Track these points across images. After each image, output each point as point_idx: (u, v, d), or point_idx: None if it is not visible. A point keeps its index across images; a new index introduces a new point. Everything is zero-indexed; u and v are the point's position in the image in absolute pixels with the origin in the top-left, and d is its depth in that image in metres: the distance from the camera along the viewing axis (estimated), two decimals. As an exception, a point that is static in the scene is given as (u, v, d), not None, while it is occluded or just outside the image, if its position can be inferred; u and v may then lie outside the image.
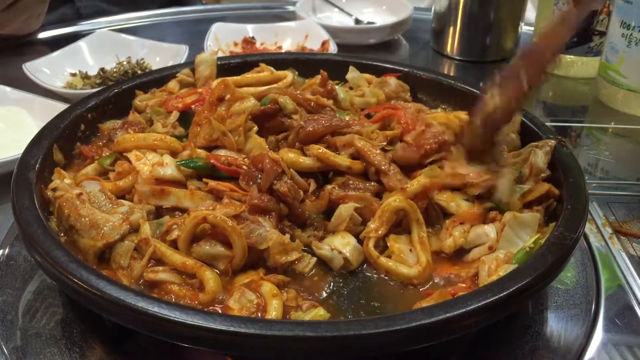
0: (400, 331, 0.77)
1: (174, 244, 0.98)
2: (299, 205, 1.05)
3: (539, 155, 1.11)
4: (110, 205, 1.02)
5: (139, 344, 0.95)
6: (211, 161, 1.07)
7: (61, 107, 1.31)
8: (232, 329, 0.76)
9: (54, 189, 1.04)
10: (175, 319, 0.77)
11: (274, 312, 0.89)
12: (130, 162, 1.10)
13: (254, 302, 0.91)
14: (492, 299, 0.82)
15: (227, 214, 0.97)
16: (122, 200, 1.05)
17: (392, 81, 1.39)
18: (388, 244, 1.03)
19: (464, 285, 0.96)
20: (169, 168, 1.08)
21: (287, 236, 1.00)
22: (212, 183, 1.05)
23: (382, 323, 0.78)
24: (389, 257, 1.02)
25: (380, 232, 1.02)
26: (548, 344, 0.98)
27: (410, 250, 1.01)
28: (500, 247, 1.00)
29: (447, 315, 0.79)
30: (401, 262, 1.00)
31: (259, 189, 1.02)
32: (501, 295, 0.82)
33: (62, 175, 1.08)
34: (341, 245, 1.01)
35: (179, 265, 0.95)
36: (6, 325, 0.97)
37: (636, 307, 1.05)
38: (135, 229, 0.99)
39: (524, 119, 1.22)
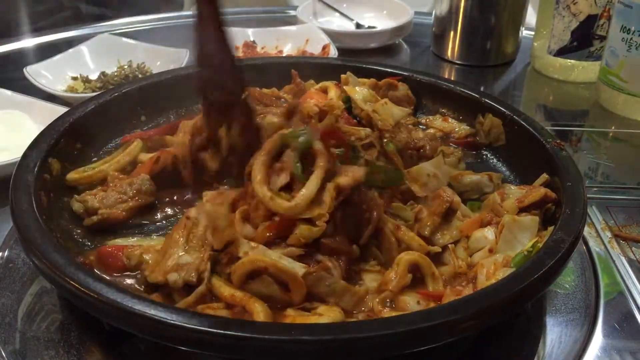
0: (396, 334, 0.77)
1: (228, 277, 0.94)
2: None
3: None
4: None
5: (137, 347, 0.94)
6: None
7: (62, 110, 1.31)
8: (229, 332, 0.76)
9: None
10: (172, 322, 0.77)
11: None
12: None
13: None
14: (489, 302, 0.81)
15: (292, 253, 0.92)
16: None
17: (401, 88, 1.37)
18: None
19: (461, 288, 0.96)
20: None
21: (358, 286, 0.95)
22: None
23: (379, 326, 0.78)
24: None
25: (391, 286, 0.94)
26: (546, 349, 0.98)
27: (418, 302, 0.94)
28: (499, 250, 1.00)
29: (444, 318, 0.79)
30: None
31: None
32: (499, 299, 0.82)
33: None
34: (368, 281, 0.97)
35: (227, 298, 0.90)
36: (5, 329, 0.97)
37: (636, 312, 1.04)
38: None
39: (523, 123, 1.22)
